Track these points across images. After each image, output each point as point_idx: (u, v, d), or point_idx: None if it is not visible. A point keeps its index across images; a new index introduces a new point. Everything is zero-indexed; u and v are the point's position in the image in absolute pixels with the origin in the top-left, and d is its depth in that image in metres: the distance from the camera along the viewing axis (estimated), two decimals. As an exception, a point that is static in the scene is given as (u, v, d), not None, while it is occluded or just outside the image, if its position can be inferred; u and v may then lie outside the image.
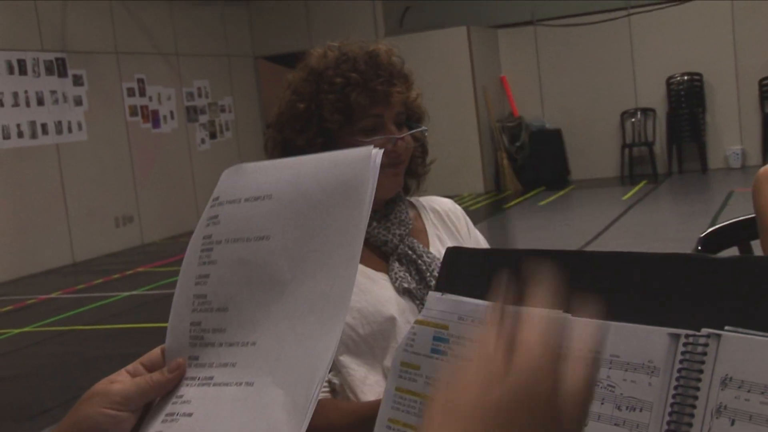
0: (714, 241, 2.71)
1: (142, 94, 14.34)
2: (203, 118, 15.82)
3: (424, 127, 2.27)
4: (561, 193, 15.06)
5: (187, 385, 1.13)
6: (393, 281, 2.15)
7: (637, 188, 14.49)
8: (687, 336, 0.96)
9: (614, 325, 1.03)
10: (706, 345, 0.94)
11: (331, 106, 2.13)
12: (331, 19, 16.28)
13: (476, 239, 2.39)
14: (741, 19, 14.96)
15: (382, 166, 2.19)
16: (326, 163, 1.17)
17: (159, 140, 14.57)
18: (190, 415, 1.09)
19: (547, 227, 11.63)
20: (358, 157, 1.13)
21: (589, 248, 9.71)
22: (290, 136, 2.17)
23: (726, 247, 2.75)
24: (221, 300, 1.15)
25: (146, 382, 1.11)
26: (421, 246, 2.21)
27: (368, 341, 2.05)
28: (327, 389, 2.05)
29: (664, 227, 10.63)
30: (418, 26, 16.18)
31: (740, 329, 0.92)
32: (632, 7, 15.88)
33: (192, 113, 15.50)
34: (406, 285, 2.12)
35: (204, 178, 15.17)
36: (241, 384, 1.09)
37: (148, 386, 1.11)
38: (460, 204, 2.47)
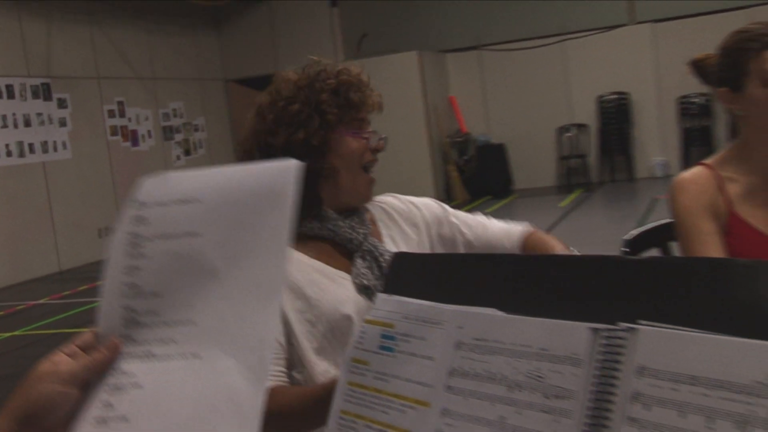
0: (638, 243, 2.74)
1: (122, 115, 14.28)
2: (178, 137, 15.78)
3: (384, 135, 2.29)
4: (505, 201, 15.13)
5: (127, 361, 1.15)
6: (354, 277, 2.12)
7: (573, 196, 14.58)
8: (606, 330, 0.97)
9: (543, 321, 1.04)
10: (623, 338, 0.95)
11: (330, 102, 2.13)
12: (295, 45, 16.30)
13: (445, 221, 2.37)
14: (661, 43, 15.16)
15: (368, 167, 2.20)
16: (252, 171, 1.21)
17: (138, 157, 14.53)
18: (139, 386, 1.11)
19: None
20: (282, 167, 1.17)
21: (530, 251, 9.77)
22: (287, 134, 2.14)
23: (648, 247, 2.78)
24: (154, 287, 1.18)
25: (90, 361, 1.12)
26: (381, 245, 2.20)
27: (328, 337, 2.04)
28: (284, 377, 2.04)
29: (597, 231, 10.70)
30: (374, 51, 16.19)
31: (653, 323, 0.93)
32: (566, 34, 16.02)
33: (168, 132, 15.46)
34: (366, 282, 2.10)
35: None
36: (186, 356, 1.12)
37: (91, 364, 1.12)
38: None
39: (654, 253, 2.80)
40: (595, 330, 0.98)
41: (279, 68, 2.31)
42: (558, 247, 2.24)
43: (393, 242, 2.26)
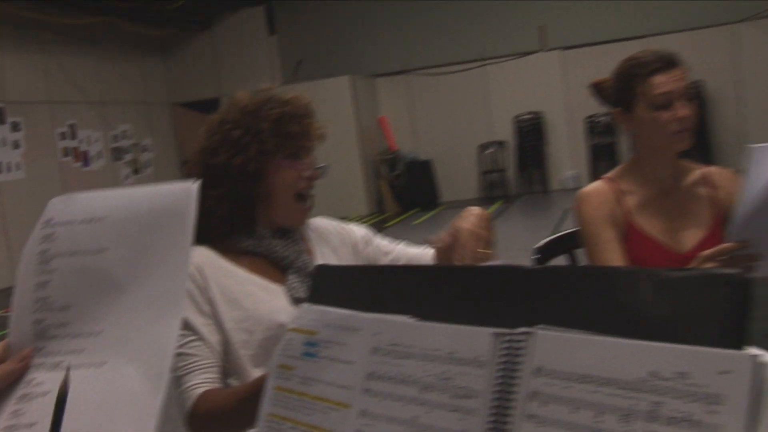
0: (547, 250, 2.77)
1: (73, 137, 14.09)
2: (127, 157, 15.61)
3: (328, 165, 2.29)
4: (432, 213, 15.18)
5: (38, 371, 1.16)
6: (288, 290, 2.11)
7: (494, 207, 14.68)
8: (507, 334, 0.98)
9: (451, 327, 1.04)
10: (522, 341, 0.96)
11: (268, 132, 2.12)
12: (236, 71, 16.24)
13: (369, 245, 2.38)
14: (570, 68, 15.39)
15: (301, 195, 2.19)
16: (155, 192, 1.23)
17: (89, 177, 14.35)
18: (45, 393, 1.12)
19: (420, 243, 11.64)
20: (182, 189, 1.20)
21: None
22: (225, 158, 2.13)
23: (558, 254, 2.81)
24: (63, 300, 1.21)
25: (2, 371, 1.12)
26: (312, 262, 2.20)
27: (263, 345, 2.02)
28: (217, 383, 2.02)
29: (515, 239, 10.78)
30: (310, 76, 16.19)
31: (550, 327, 0.95)
32: (486, 59, 16.16)
33: (117, 153, 15.29)
34: (299, 295, 2.10)
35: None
36: (92, 365, 1.12)
37: (3, 374, 1.12)
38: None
39: (562, 259, 2.84)
40: (497, 334, 0.99)
41: (221, 92, 2.31)
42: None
43: (324, 260, 2.26)
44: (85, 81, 14.48)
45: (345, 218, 2.47)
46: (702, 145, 14.70)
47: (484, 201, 15.84)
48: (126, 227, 1.20)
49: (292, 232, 2.24)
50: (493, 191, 16.21)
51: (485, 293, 1.06)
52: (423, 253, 2.40)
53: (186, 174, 2.23)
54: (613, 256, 2.49)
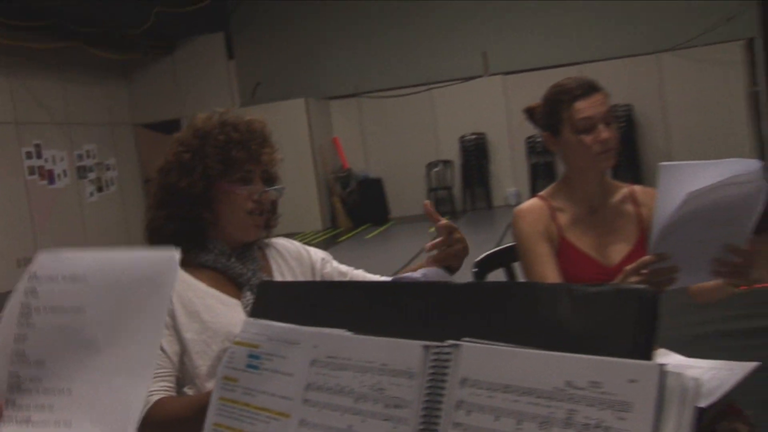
0: (486, 264, 2.78)
1: (39, 156, 13.90)
2: (91, 176, 15.42)
3: (283, 186, 2.27)
4: (383, 228, 15.19)
5: (6, 424, 1.14)
6: (244, 306, 2.10)
7: (445, 219, 14.68)
8: (435, 347, 0.98)
9: (384, 340, 1.05)
10: (449, 354, 0.97)
11: (214, 157, 2.10)
12: (196, 93, 16.14)
13: (325, 268, 2.36)
14: (510, 92, 15.52)
15: (251, 213, 2.18)
16: (137, 258, 1.23)
17: (54, 194, 14.16)
18: None
19: (373, 256, 11.69)
20: (162, 258, 1.20)
21: (403, 272, 9.79)
22: (174, 179, 2.12)
23: (496, 268, 2.82)
24: (38, 355, 1.19)
25: None
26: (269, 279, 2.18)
27: (219, 357, 2.01)
28: (172, 392, 2.00)
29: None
30: (267, 98, 16.16)
31: (475, 340, 0.95)
32: (432, 83, 16.25)
33: (82, 171, 15.10)
34: None
35: (93, 224, 14.90)
36: (59, 424, 1.11)
37: None
38: (302, 240, 2.46)
39: (500, 272, 2.85)
40: (427, 347, 0.99)
41: (182, 114, 2.29)
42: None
43: (282, 277, 2.24)
44: (50, 102, 14.32)
45: (300, 233, 2.46)
46: (631, 164, 14.96)
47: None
48: (106, 290, 1.19)
49: (251, 250, 2.22)
50: (440, 207, 16.23)
51: (416, 308, 1.07)
52: (381, 279, 2.40)
53: (147, 192, 2.22)
54: (548, 269, 2.50)
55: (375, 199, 16.39)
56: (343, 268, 2.39)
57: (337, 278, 2.33)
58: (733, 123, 15.05)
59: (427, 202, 2.16)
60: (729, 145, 14.72)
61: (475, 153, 16.17)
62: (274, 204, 2.28)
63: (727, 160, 1.94)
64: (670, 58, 15.26)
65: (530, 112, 2.74)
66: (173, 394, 1.98)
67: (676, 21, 14.98)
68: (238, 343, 1.25)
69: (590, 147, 2.49)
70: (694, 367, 2.40)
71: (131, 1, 13.56)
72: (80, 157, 15.10)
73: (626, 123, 15.24)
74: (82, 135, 15.19)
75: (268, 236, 2.34)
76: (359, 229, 15.35)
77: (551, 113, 2.57)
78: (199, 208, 2.11)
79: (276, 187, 2.24)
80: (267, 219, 2.25)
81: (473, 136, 16.13)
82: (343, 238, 14.30)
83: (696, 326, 6.18)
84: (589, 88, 2.52)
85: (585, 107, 2.50)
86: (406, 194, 16.50)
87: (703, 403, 2.17)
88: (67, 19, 13.03)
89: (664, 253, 2.01)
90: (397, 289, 1.12)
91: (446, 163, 16.41)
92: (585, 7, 15.37)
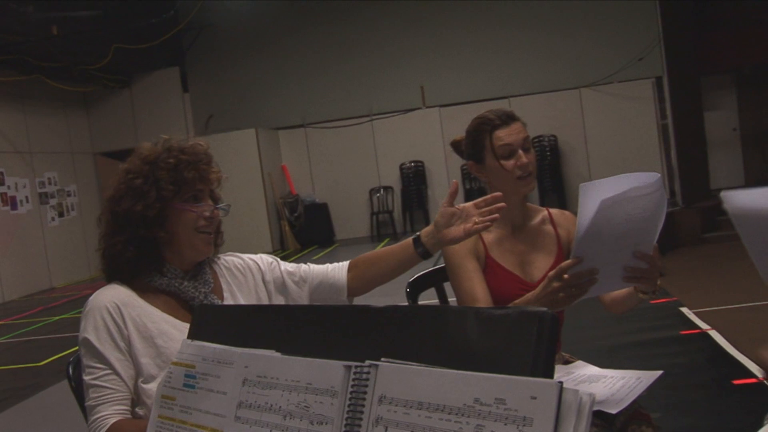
0: (418, 284, 2.78)
1: (2, 183, 13.65)
2: (53, 201, 15.19)
3: (229, 204, 2.24)
4: (329, 249, 15.15)
5: None
6: None
7: (382, 244, 14.72)
8: (356, 367, 0.98)
9: (310, 361, 1.04)
10: (368, 372, 0.96)
11: (166, 179, 2.06)
12: (153, 124, 16.01)
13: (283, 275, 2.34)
14: (446, 123, 15.64)
15: (200, 230, 2.14)
16: None
17: (17, 219, 13.91)
18: None
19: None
20: None
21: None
22: (128, 205, 2.07)
23: (428, 287, 2.82)
24: None
25: None
26: (219, 301, 2.13)
27: None
28: (128, 415, 1.97)
29: (403, 274, 10.83)
30: (219, 129, 16.11)
31: (391, 360, 0.95)
32: (374, 115, 16.31)
33: (44, 197, 14.87)
34: None
35: (54, 248, 14.69)
36: None
37: None
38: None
39: (431, 291, 2.85)
40: (348, 367, 0.99)
41: (140, 143, 2.24)
42: (380, 251, 2.28)
43: (231, 295, 2.21)
44: (13, 133, 14.10)
45: (251, 254, 2.41)
46: (557, 188, 15.21)
47: (373, 239, 15.90)
48: None
49: (202, 272, 2.19)
50: (381, 230, 16.28)
51: (339, 329, 1.06)
52: (333, 265, 2.38)
53: (98, 221, 2.18)
54: (476, 285, 2.52)
55: (321, 222, 16.36)
56: (291, 267, 2.36)
57: (287, 280, 2.31)
58: (646, 152, 15.36)
59: (455, 181, 2.21)
60: (643, 169, 14.94)
61: (414, 179, 16.23)
62: (219, 223, 2.26)
63: (632, 174, 1.98)
64: (590, 93, 15.55)
65: (455, 145, 2.77)
66: (129, 416, 1.94)
67: (594, 60, 15.31)
68: (175, 364, 1.23)
69: (511, 171, 2.53)
70: (608, 377, 2.43)
71: (91, 37, 13.44)
72: (42, 184, 14.89)
73: (551, 151, 15.48)
74: (44, 163, 14.98)
75: (216, 253, 2.30)
76: (306, 251, 15.30)
77: (474, 143, 2.61)
78: (155, 229, 2.08)
79: (223, 204, 2.21)
80: (214, 237, 2.23)
81: (412, 164, 16.20)
82: (292, 259, 14.23)
83: (612, 338, 6.26)
84: (508, 118, 2.58)
85: (504, 135, 2.54)
86: (350, 218, 16.52)
87: (614, 410, 2.20)
88: (29, 54, 12.89)
89: (582, 257, 2.03)
90: (321, 311, 1.11)
91: (387, 188, 16.45)
92: (514, 46, 15.62)
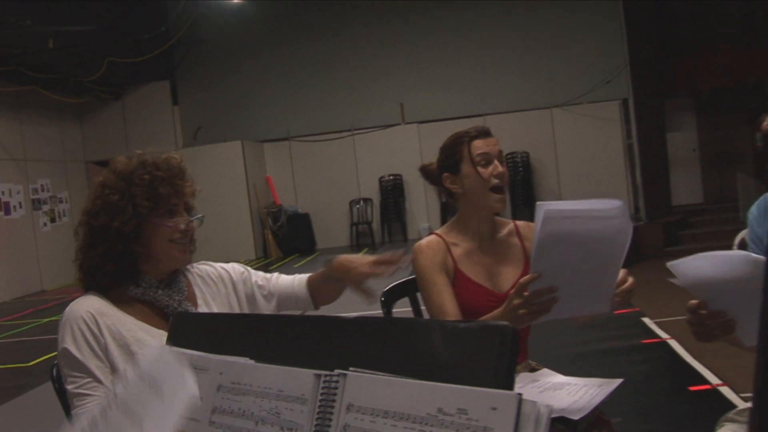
0: (392, 294, 2.77)
1: (-4, 189, 13.58)
2: (45, 207, 15.07)
3: (202, 215, 2.22)
4: (310, 257, 15.09)
5: None
6: None
7: (361, 253, 14.67)
8: (325, 375, 0.97)
9: (281, 369, 1.03)
10: (337, 381, 0.95)
11: (142, 196, 2.04)
12: (143, 135, 15.94)
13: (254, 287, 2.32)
14: (424, 138, 15.63)
15: (175, 241, 2.11)
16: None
17: (10, 224, 13.80)
18: None
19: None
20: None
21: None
22: (105, 221, 2.04)
23: (402, 297, 2.81)
24: None
25: None
26: (192, 308, 2.11)
27: None
28: None
29: (379, 283, 10.80)
30: (207, 140, 16.08)
31: (360, 369, 0.94)
32: (355, 130, 16.31)
33: (36, 203, 14.75)
34: None
35: (46, 252, 14.54)
36: None
37: None
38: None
39: (405, 301, 2.84)
40: (318, 375, 0.98)
41: (131, 151, 2.20)
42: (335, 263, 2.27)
43: (205, 303, 2.19)
44: (8, 141, 13.99)
45: (236, 261, 2.39)
46: (528, 201, 15.25)
47: (353, 248, 15.88)
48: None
49: (177, 282, 2.17)
50: (360, 240, 16.26)
51: (310, 339, 1.05)
52: (295, 277, 2.36)
53: (75, 233, 2.14)
54: (445, 298, 2.50)
55: (303, 232, 16.32)
56: (261, 281, 2.34)
57: (256, 293, 2.29)
58: (613, 169, 15.46)
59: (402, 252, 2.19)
60: (609, 187, 15.15)
61: (393, 192, 16.22)
62: (193, 232, 2.23)
63: (595, 200, 1.96)
64: (561, 113, 15.64)
65: (424, 169, 2.77)
66: None
67: (565, 81, 15.42)
68: (155, 369, 1.22)
69: (487, 180, 2.53)
70: (571, 384, 2.43)
71: (86, 50, 13.40)
72: (35, 190, 14.78)
73: (523, 167, 15.54)
74: (38, 170, 14.87)
75: (189, 262, 2.28)
76: (288, 259, 15.25)
77: (451, 154, 2.60)
78: (132, 244, 2.05)
79: (198, 216, 2.18)
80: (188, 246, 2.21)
81: (391, 177, 16.20)
82: (275, 266, 14.18)
83: (577, 346, 6.28)
84: (484, 132, 2.59)
85: (482, 145, 2.55)
86: (331, 228, 16.50)
87: (576, 416, 2.19)
88: (26, 66, 12.85)
89: (540, 273, 2.01)
90: (294, 321, 1.10)
91: (367, 200, 16.44)
92: (489, 67, 15.69)
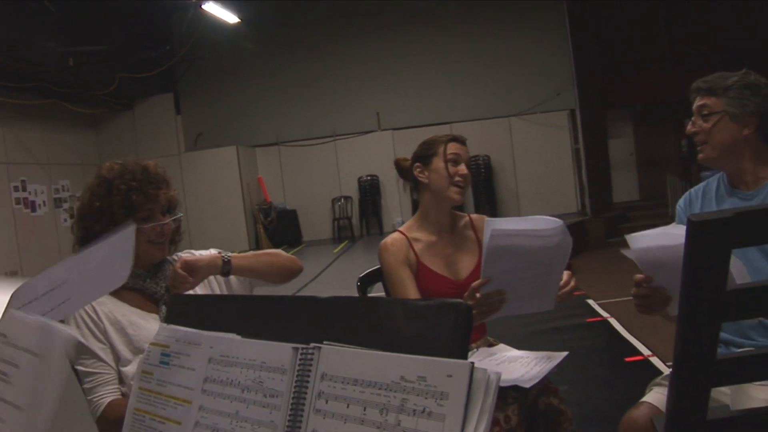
0: (367, 279, 2.75)
1: (24, 189, 13.39)
2: (66, 205, 14.88)
3: (180, 213, 2.19)
4: (297, 249, 15.05)
5: None
6: (161, 318, 2.03)
7: (342, 245, 14.69)
8: (302, 348, 0.96)
9: (264, 343, 1.02)
10: (313, 354, 0.94)
11: (118, 204, 2.02)
12: (150, 139, 15.81)
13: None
14: (398, 144, 15.62)
15: (152, 242, 2.08)
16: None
17: (36, 220, 13.66)
18: None
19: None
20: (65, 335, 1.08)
21: (312, 284, 9.76)
22: (90, 224, 2.03)
23: (376, 282, 2.79)
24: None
25: None
26: None
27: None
28: (118, 393, 1.93)
29: (357, 270, 10.76)
30: (206, 145, 15.97)
31: (333, 343, 0.93)
32: (337, 135, 16.26)
33: (58, 202, 14.59)
34: None
35: (66, 244, 14.23)
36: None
37: None
38: None
39: (379, 285, 2.83)
40: (296, 348, 0.97)
41: (140, 157, 2.16)
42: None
43: (192, 290, 2.17)
44: (34, 147, 13.87)
45: (231, 251, 2.35)
46: (489, 200, 15.31)
47: (334, 240, 15.87)
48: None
49: (163, 268, 2.15)
50: (341, 233, 16.24)
51: (290, 316, 1.04)
52: None
53: (72, 230, 2.12)
54: (409, 291, 2.49)
55: (290, 226, 16.25)
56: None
57: (232, 277, 2.23)
58: (562, 170, 15.54)
59: None
60: (560, 187, 15.26)
61: (370, 190, 16.19)
62: (178, 228, 2.20)
63: (539, 217, 1.94)
64: (517, 121, 15.70)
65: (398, 164, 2.77)
66: (119, 394, 1.92)
67: (521, 94, 15.48)
68: (153, 344, 1.21)
69: (453, 176, 2.53)
70: (524, 357, 2.44)
71: (100, 67, 13.33)
72: (57, 190, 14.64)
73: (485, 169, 15.59)
74: (59, 173, 14.74)
75: (175, 250, 2.26)
76: (277, 250, 15.21)
77: (428, 148, 2.61)
78: None
79: (174, 216, 2.15)
80: (171, 238, 2.18)
81: (368, 177, 16.16)
82: (267, 255, 14.12)
83: (531, 325, 6.30)
84: (459, 139, 2.61)
85: (456, 148, 2.57)
86: (315, 222, 16.45)
87: (527, 385, 2.20)
88: (49, 82, 12.83)
89: (489, 278, 2.00)
90: (275, 301, 1.09)
91: (347, 198, 16.40)
92: (456, 80, 15.70)
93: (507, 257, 1.96)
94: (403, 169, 2.74)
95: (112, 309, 2.02)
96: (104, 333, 1.99)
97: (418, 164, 2.63)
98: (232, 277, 2.26)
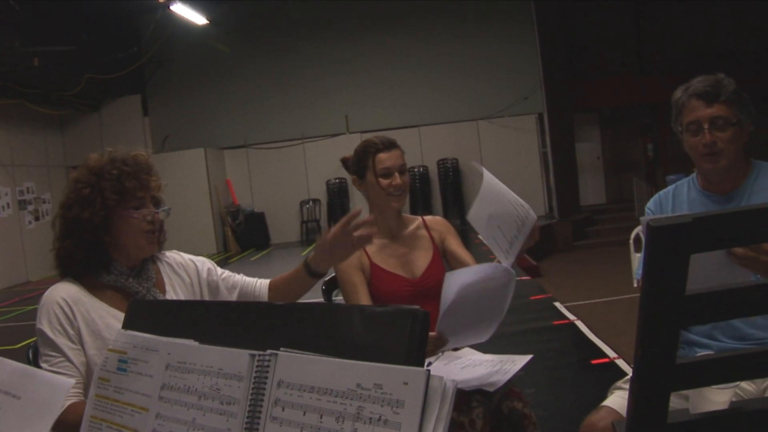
0: (332, 285, 2.73)
1: (-14, 191, 13.19)
2: (30, 207, 14.66)
3: (169, 207, 2.15)
4: (265, 252, 15.00)
5: None
6: None
7: (310, 248, 14.64)
8: (259, 355, 0.95)
9: (221, 350, 1.01)
10: (269, 360, 0.94)
11: (110, 189, 1.97)
12: (117, 142, 15.23)
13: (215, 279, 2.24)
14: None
15: (146, 232, 2.03)
16: (38, 377, 1.18)
17: (-2, 222, 13.45)
18: None
19: (256, 273, 11.48)
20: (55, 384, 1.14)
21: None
22: (77, 212, 1.97)
23: (338, 287, 2.77)
24: None
25: None
26: (161, 295, 2.04)
27: None
28: (81, 396, 1.88)
29: (326, 270, 10.77)
30: (174, 147, 15.83)
31: (289, 350, 0.92)
32: (305, 138, 16.23)
33: (22, 204, 14.35)
34: None
35: (31, 247, 14.15)
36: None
37: None
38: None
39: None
40: (253, 355, 0.96)
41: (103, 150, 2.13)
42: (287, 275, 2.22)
43: (173, 290, 2.11)
44: (-4, 148, 13.64)
45: (199, 255, 2.32)
46: (457, 202, 15.36)
47: (303, 243, 15.81)
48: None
49: (146, 269, 2.10)
50: (309, 236, 16.19)
51: (247, 323, 1.03)
52: (258, 280, 2.30)
53: (52, 224, 2.06)
54: (361, 296, 2.49)
55: (259, 228, 16.17)
56: (225, 274, 2.27)
57: (220, 284, 2.21)
58: (530, 174, 15.67)
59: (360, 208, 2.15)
60: (527, 190, 15.33)
61: (338, 193, 16.16)
62: (161, 224, 2.17)
63: (487, 265, 1.99)
64: (485, 125, 15.79)
65: (344, 161, 2.76)
66: (82, 398, 1.86)
67: (489, 97, 15.60)
68: (110, 350, 1.19)
69: (386, 189, 2.53)
70: (488, 361, 2.44)
71: (67, 68, 13.15)
72: (21, 192, 14.41)
73: (453, 172, 15.65)
74: (24, 175, 14.51)
75: (160, 250, 2.22)
76: (246, 253, 15.10)
77: (360, 161, 2.60)
78: (101, 234, 1.98)
79: (164, 208, 2.12)
80: (157, 236, 2.14)
81: (337, 180, 16.14)
82: (233, 259, 14.04)
83: (499, 328, 6.32)
84: (390, 145, 2.58)
85: (385, 158, 2.54)
86: (284, 225, 16.39)
87: (491, 389, 2.20)
88: (14, 81, 12.64)
89: (442, 332, 2.05)
90: (233, 307, 1.08)
91: (315, 201, 16.37)
92: (423, 84, 15.77)
93: (462, 306, 2.00)
94: (348, 166, 2.74)
95: (89, 309, 1.95)
96: (78, 333, 1.91)
97: (354, 177, 2.64)
98: (222, 286, 2.22)
